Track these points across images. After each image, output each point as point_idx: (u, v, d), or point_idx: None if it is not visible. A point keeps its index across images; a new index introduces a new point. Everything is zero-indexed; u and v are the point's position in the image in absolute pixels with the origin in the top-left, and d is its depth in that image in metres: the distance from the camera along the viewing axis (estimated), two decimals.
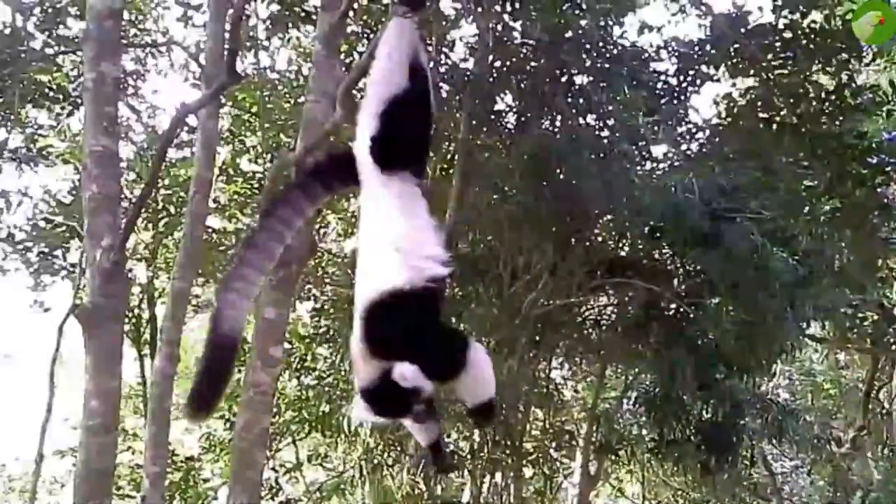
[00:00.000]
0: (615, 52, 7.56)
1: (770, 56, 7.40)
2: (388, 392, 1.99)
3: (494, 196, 7.41)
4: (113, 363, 3.91)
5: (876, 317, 8.90)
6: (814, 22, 7.35)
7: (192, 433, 10.58)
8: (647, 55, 7.72)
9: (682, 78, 7.75)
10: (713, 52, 7.61)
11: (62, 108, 8.47)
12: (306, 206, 2.31)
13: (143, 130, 9.17)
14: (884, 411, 11.76)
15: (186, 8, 8.25)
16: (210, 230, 8.25)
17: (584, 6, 7.33)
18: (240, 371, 9.10)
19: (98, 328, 3.83)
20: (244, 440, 4.24)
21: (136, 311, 9.81)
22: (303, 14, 7.89)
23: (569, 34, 7.34)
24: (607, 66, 7.42)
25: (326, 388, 8.47)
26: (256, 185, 8.62)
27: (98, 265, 3.84)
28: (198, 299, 9.05)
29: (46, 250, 8.70)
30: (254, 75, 8.32)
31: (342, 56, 6.46)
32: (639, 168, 7.67)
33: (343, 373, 8.28)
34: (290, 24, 7.98)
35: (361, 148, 2.22)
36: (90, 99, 4.06)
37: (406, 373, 1.95)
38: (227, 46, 4.55)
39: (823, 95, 7.36)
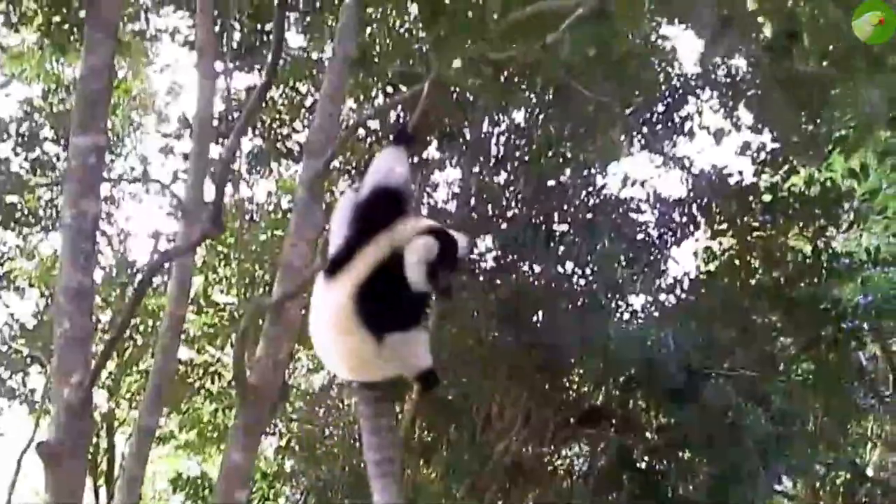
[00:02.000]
0: (597, 201, 7.67)
1: (749, 218, 7.56)
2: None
3: (470, 340, 7.32)
4: (73, 502, 3.73)
5: (848, 476, 8.80)
6: (794, 185, 7.55)
7: None
8: (628, 206, 7.83)
9: (662, 231, 7.86)
10: (694, 211, 7.77)
11: (33, 232, 8.39)
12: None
13: (113, 255, 9.05)
14: None
15: (167, 137, 8.28)
16: (177, 362, 8.06)
17: (568, 156, 7.46)
18: None
19: (61, 466, 3.65)
20: None
21: (94, 439, 9.48)
22: (285, 150, 7.95)
23: (551, 183, 7.45)
24: (589, 215, 7.51)
25: None
26: (227, 318, 8.48)
27: (66, 402, 3.69)
28: (160, 430, 8.74)
29: (7, 375, 8.43)
30: (231, 206, 8.29)
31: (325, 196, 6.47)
32: (616, 318, 7.66)
33: None
34: (272, 159, 8.02)
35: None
36: (68, 235, 3.96)
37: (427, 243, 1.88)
38: (214, 195, 4.51)
39: (800, 259, 7.49)
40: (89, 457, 9.19)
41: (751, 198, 7.67)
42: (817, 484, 8.87)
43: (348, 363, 2.02)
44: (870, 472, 9.73)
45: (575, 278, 7.70)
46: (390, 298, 1.90)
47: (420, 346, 2.00)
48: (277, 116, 7.91)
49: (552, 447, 7.79)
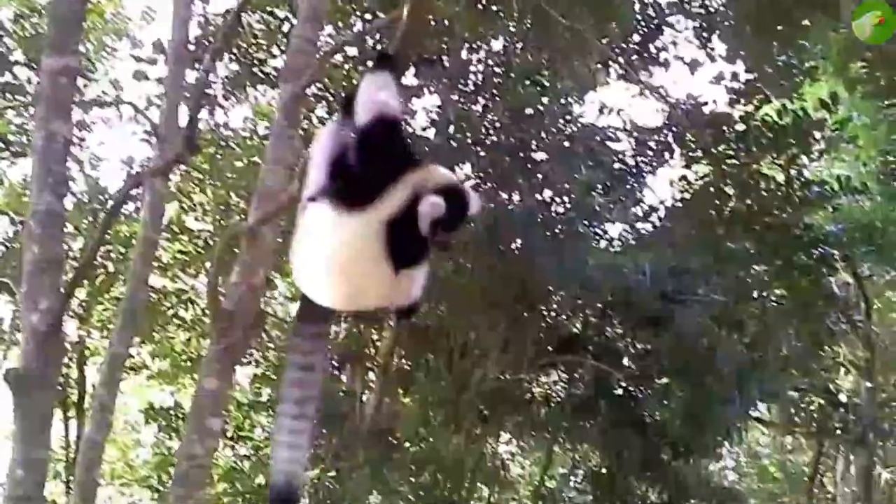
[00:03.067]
0: (574, 130, 7.61)
1: (724, 146, 7.56)
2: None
3: (448, 268, 7.30)
4: (42, 432, 3.69)
5: (822, 402, 8.98)
6: (766, 115, 7.55)
7: (116, 501, 10.12)
8: (605, 135, 7.78)
9: (638, 159, 7.83)
10: (669, 140, 7.75)
11: (2, 157, 8.20)
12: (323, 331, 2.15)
13: (84, 181, 8.88)
14: (828, 497, 11.85)
15: (141, 62, 8.07)
16: (149, 289, 7.97)
17: (545, 84, 7.37)
18: (170, 438, 8.78)
19: (29, 395, 3.61)
20: None
21: (64, 370, 9.41)
22: (262, 74, 7.79)
23: (529, 111, 7.36)
24: (566, 143, 7.45)
25: (264, 460, 8.13)
26: (202, 245, 8.38)
27: (34, 329, 3.63)
28: (132, 360, 8.69)
29: None
30: (207, 132, 8.14)
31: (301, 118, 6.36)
32: (593, 245, 7.67)
33: None
34: (248, 84, 7.85)
35: None
36: (38, 157, 3.87)
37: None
38: (189, 115, 4.41)
39: (773, 187, 7.52)
40: (59, 387, 9.14)
41: (724, 127, 7.68)
42: (791, 409, 9.05)
43: (355, 291, 2.00)
44: (843, 397, 9.94)
45: (553, 206, 7.67)
46: (412, 237, 1.91)
47: (422, 280, 2.03)
48: (254, 41, 7.72)
49: (530, 374, 7.84)
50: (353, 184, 1.99)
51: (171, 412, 8.60)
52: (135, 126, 8.63)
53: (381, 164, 1.98)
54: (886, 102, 7.75)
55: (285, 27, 7.59)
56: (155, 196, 5.56)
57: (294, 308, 9.28)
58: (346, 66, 7.58)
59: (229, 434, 8.59)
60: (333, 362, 8.10)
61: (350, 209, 1.92)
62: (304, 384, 2.04)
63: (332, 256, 1.94)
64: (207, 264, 7.94)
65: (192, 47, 6.27)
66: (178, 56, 5.73)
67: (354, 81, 7.42)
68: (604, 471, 7.99)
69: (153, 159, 5.84)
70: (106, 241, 8.20)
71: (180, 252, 8.52)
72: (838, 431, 9.10)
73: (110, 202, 8.10)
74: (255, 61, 7.72)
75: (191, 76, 6.40)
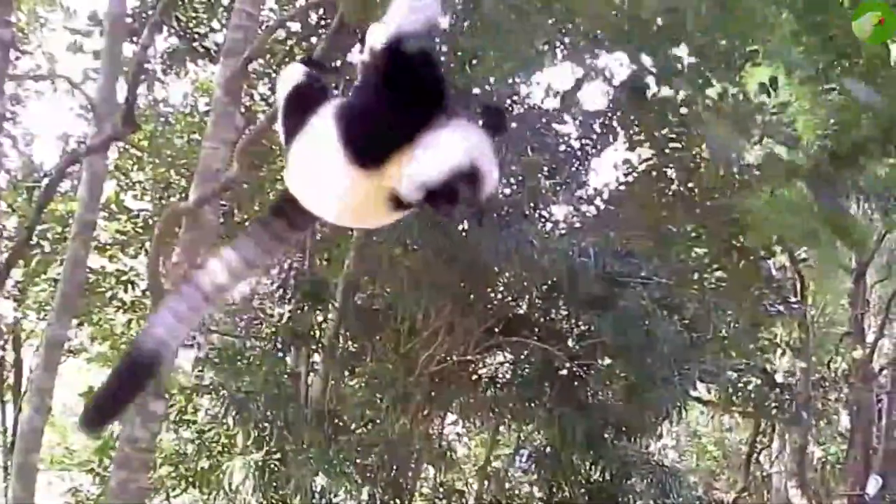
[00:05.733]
0: (520, 111, 7.59)
1: (666, 130, 7.61)
2: None
3: (396, 249, 7.26)
4: None
5: (758, 382, 9.18)
6: (708, 98, 7.61)
7: (55, 487, 9.88)
8: (550, 117, 7.79)
9: (583, 142, 7.86)
10: (613, 122, 7.79)
11: None
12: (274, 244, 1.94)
13: (18, 158, 8.62)
14: (764, 474, 12.16)
15: (76, 34, 7.82)
16: (87, 270, 7.77)
17: (492, 64, 7.33)
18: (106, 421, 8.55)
19: None
20: (118, 499, 3.94)
21: (1, 352, 9.17)
22: (202, 49, 7.61)
23: (475, 91, 7.32)
24: (512, 124, 7.43)
25: (207, 443, 8.03)
26: (141, 224, 8.19)
27: None
28: (70, 343, 8.47)
29: None
30: (145, 108, 7.95)
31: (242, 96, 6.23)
32: (539, 227, 7.70)
33: (226, 426, 7.88)
34: (189, 59, 7.67)
35: None
36: None
37: None
38: (127, 91, 4.27)
39: (714, 170, 7.61)
40: None
41: (666, 110, 7.73)
42: (729, 389, 9.24)
43: (356, 222, 1.89)
44: (779, 377, 10.19)
45: (499, 188, 7.67)
46: None
47: None
48: (194, 15, 7.53)
49: (476, 355, 7.86)
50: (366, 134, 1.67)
51: None
52: (70, 100, 8.42)
53: (400, 112, 1.57)
54: (825, 87, 7.87)
55: (225, 0, 7.43)
56: (92, 174, 5.41)
57: (238, 290, 9.14)
58: (289, 42, 7.44)
59: (172, 418, 8.44)
60: (278, 344, 8.03)
61: (361, 163, 1.62)
62: (237, 274, 1.82)
63: (335, 199, 1.70)
64: (147, 244, 7.76)
65: (129, 19, 6.08)
66: (115, 28, 5.57)
67: (297, 57, 7.31)
68: (548, 450, 8.05)
69: (90, 135, 5.66)
70: (42, 220, 7.98)
71: (119, 232, 8.31)
72: (774, 410, 9.31)
73: (45, 179, 7.89)
74: (195, 35, 7.53)
75: (128, 49, 6.23)
